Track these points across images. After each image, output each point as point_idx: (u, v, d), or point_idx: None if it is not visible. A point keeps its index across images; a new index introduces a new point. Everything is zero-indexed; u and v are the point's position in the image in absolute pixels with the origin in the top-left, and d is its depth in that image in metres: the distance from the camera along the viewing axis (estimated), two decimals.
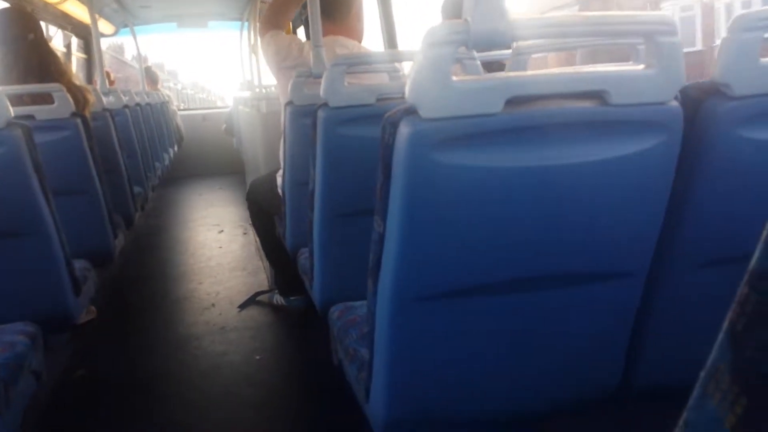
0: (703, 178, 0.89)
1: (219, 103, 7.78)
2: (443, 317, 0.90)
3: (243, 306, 2.55)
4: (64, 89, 1.99)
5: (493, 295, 0.89)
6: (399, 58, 1.78)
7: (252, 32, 4.53)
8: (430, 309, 0.88)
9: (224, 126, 6.45)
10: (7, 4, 3.43)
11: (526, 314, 0.93)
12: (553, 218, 0.87)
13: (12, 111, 1.40)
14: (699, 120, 0.86)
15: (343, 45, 2.04)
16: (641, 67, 0.83)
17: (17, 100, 2.08)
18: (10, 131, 1.38)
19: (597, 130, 0.83)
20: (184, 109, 7.78)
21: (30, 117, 1.91)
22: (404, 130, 0.80)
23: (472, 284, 0.88)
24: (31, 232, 1.47)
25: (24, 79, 2.11)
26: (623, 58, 1.81)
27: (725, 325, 0.31)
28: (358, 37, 2.14)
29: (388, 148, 0.83)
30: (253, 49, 4.44)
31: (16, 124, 1.40)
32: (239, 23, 6.00)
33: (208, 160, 6.75)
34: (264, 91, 4.51)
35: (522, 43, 1.58)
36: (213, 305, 2.61)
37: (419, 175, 0.81)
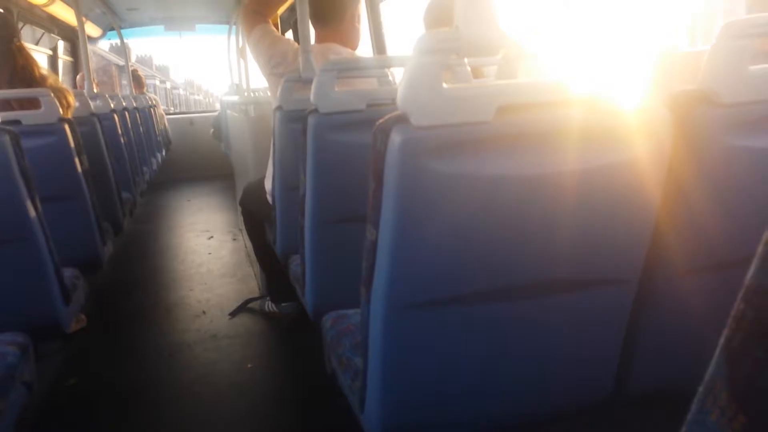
0: (692, 185, 0.90)
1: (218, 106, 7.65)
2: (437, 325, 0.90)
3: (234, 313, 2.54)
4: (51, 94, 1.97)
5: (487, 302, 0.89)
6: (389, 64, 1.77)
7: (240, 36, 4.52)
8: (423, 316, 0.88)
9: (212, 130, 6.43)
10: None
11: (519, 321, 0.94)
12: (545, 225, 0.87)
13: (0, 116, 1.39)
14: (688, 127, 0.86)
15: (336, 52, 2.02)
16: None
17: (2, 104, 2.07)
18: None
19: (587, 136, 0.83)
20: (172, 113, 7.73)
21: (16, 122, 1.89)
22: (396, 138, 0.80)
23: (465, 291, 0.88)
24: (19, 239, 1.45)
25: (10, 83, 2.10)
26: None
27: (721, 341, 0.31)
28: (353, 45, 2.10)
29: (380, 156, 0.83)
30: (241, 53, 4.43)
31: (3, 130, 1.38)
32: (227, 27, 5.99)
33: (196, 165, 6.72)
34: (253, 95, 4.49)
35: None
36: (204, 312, 2.60)
37: (411, 183, 0.81)
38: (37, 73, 2.18)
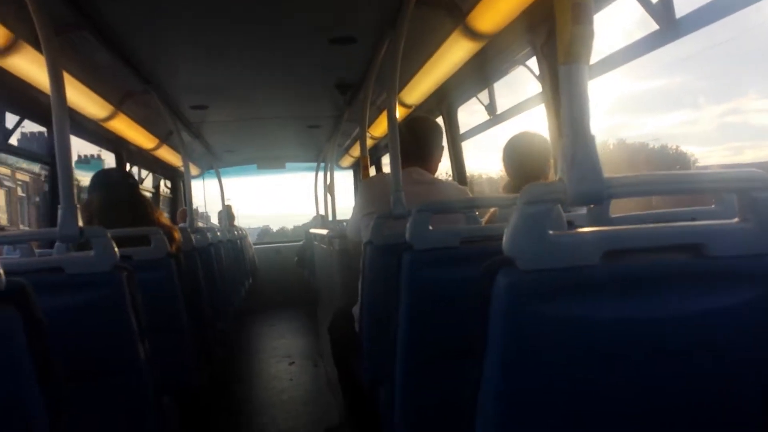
0: None
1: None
2: None
3: None
4: (161, 232, 2.12)
5: None
6: (481, 205, 1.84)
7: (328, 172, 4.80)
8: None
9: (296, 258, 6.67)
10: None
11: None
12: (653, 370, 0.85)
13: (118, 254, 1.50)
14: None
15: (419, 173, 2.18)
16: (736, 220, 0.85)
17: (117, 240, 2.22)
18: (116, 274, 1.46)
19: (695, 282, 0.84)
20: (258, 243, 8.16)
21: (128, 257, 1.99)
22: (502, 281, 0.82)
23: None
24: (124, 370, 1.51)
25: (123, 221, 2.18)
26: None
27: None
28: (432, 171, 2.28)
29: (485, 297, 0.85)
30: (329, 189, 4.68)
31: (121, 267, 1.48)
32: (315, 165, 6.39)
33: (279, 291, 6.92)
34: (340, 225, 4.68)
35: None
36: None
37: (517, 325, 0.83)
38: (149, 212, 2.35)
